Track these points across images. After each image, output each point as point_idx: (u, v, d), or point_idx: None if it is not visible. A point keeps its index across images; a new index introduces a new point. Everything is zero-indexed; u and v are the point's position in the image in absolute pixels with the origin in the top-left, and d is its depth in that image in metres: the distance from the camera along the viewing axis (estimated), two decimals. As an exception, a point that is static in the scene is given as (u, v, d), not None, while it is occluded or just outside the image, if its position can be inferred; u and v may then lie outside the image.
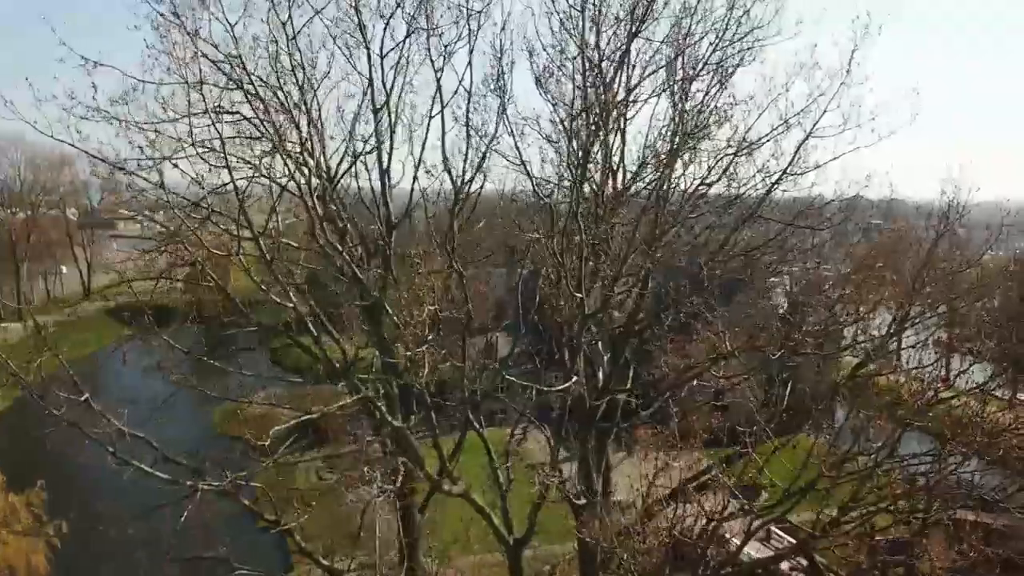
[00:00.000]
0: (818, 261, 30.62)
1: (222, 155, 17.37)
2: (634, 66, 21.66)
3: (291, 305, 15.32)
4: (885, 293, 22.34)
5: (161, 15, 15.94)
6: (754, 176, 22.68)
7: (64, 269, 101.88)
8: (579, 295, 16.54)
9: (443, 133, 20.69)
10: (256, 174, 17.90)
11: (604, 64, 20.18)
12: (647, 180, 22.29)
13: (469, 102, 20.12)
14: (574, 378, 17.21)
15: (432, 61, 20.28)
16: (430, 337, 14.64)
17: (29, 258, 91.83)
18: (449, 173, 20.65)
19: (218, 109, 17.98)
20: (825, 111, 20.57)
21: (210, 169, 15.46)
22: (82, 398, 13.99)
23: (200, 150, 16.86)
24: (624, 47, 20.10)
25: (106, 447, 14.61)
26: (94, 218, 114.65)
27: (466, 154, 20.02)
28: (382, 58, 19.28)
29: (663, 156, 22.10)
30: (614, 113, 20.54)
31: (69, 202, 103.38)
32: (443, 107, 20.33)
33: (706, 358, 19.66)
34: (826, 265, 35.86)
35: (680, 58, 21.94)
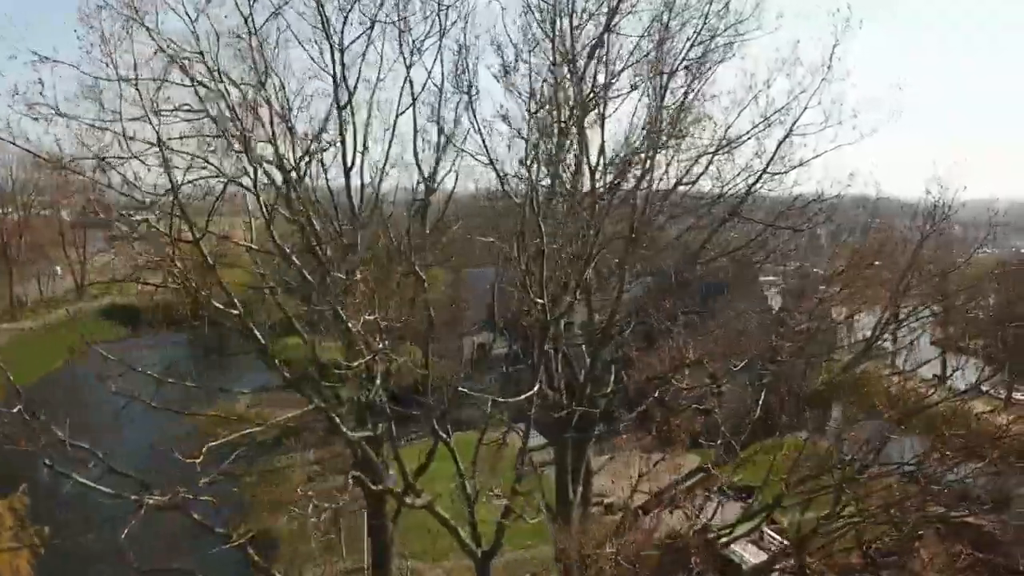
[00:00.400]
0: (798, 264, 30.04)
1: (184, 154, 16.88)
2: (608, 60, 21.05)
3: (235, 312, 14.66)
4: (869, 294, 21.75)
5: (105, 6, 15.21)
6: (736, 175, 22.15)
7: (59, 270, 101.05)
8: (540, 301, 15.90)
9: (415, 131, 20.11)
10: (216, 174, 17.28)
11: (576, 57, 19.52)
12: (620, 178, 21.64)
13: (441, 98, 19.55)
14: (536, 387, 16.56)
15: (404, 58, 19.74)
16: (379, 346, 14.00)
17: (22, 259, 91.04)
18: (420, 170, 20.05)
19: (182, 108, 17.42)
20: (806, 108, 20.10)
21: (149, 169, 14.80)
22: (14, 409, 13.35)
23: (155, 149, 16.25)
24: (596, 40, 19.46)
25: (43, 459, 14.00)
26: (88, 218, 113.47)
27: (437, 151, 19.41)
28: (342, 52, 18.65)
29: (640, 153, 21.47)
30: (585, 108, 19.88)
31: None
32: (414, 101, 19.72)
33: (668, 367, 19.08)
34: (818, 268, 35.35)
35: (659, 53, 21.32)
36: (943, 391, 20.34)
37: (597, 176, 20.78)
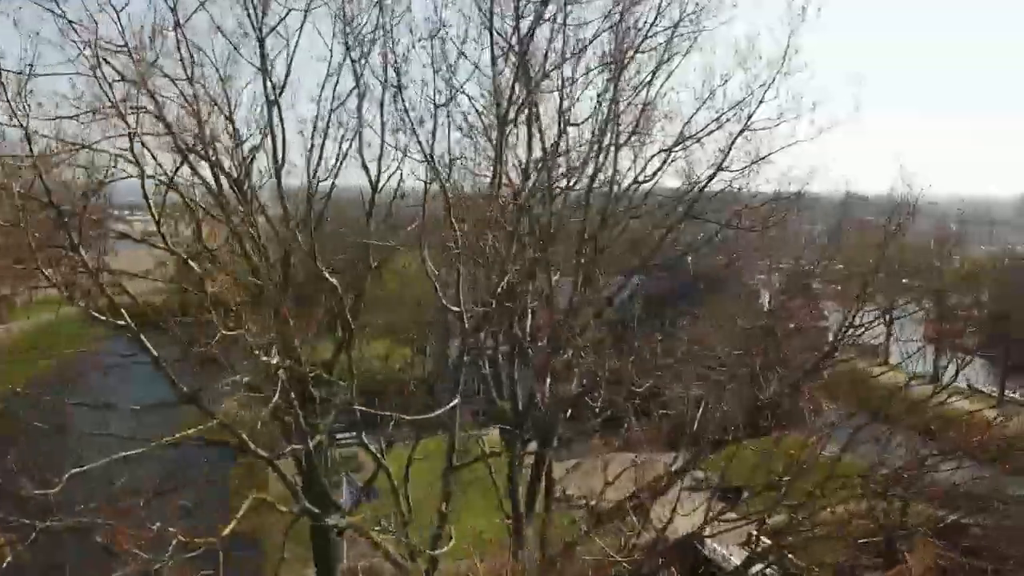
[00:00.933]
0: (772, 262, 29.22)
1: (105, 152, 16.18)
2: (563, 52, 20.11)
3: (123, 323, 13.81)
4: (840, 292, 20.97)
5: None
6: (702, 173, 21.35)
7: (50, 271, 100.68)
8: (456, 308, 15.05)
9: (360, 127, 19.30)
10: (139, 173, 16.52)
11: (518, 46, 18.62)
12: (571, 176, 20.80)
13: (384, 92, 18.65)
14: (455, 400, 15.69)
15: (348, 48, 18.96)
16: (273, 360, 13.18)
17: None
18: (366, 169, 19.25)
19: (125, 104, 16.68)
20: (762, 101, 19.35)
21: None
22: None
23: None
24: (534, 27, 18.57)
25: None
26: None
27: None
28: (261, 41, 17.83)
29: (595, 146, 20.59)
30: (530, 100, 19.03)
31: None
32: (359, 94, 18.93)
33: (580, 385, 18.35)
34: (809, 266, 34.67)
35: (616, 43, 20.43)
36: (911, 387, 19.56)
37: (542, 174, 19.92)
